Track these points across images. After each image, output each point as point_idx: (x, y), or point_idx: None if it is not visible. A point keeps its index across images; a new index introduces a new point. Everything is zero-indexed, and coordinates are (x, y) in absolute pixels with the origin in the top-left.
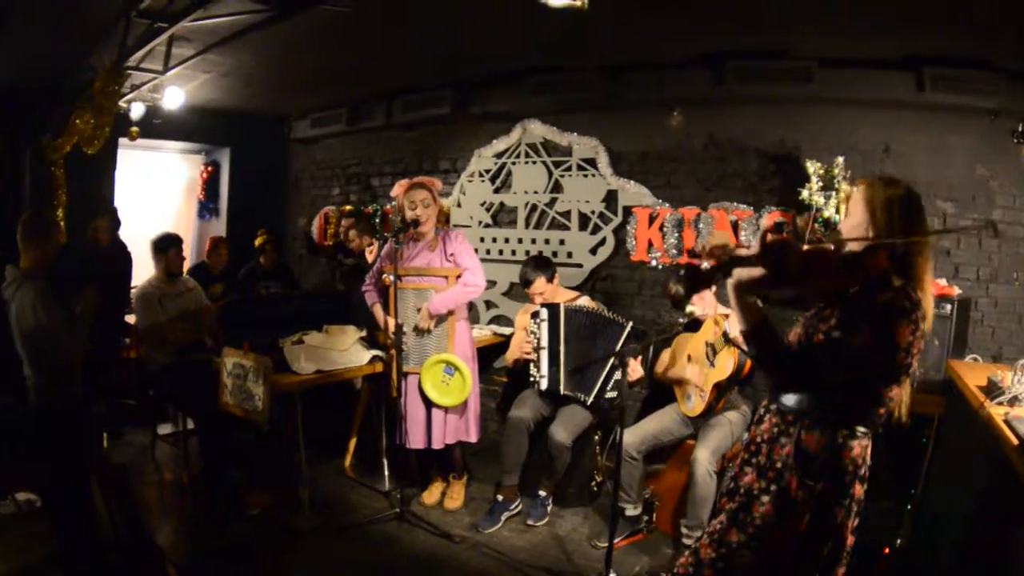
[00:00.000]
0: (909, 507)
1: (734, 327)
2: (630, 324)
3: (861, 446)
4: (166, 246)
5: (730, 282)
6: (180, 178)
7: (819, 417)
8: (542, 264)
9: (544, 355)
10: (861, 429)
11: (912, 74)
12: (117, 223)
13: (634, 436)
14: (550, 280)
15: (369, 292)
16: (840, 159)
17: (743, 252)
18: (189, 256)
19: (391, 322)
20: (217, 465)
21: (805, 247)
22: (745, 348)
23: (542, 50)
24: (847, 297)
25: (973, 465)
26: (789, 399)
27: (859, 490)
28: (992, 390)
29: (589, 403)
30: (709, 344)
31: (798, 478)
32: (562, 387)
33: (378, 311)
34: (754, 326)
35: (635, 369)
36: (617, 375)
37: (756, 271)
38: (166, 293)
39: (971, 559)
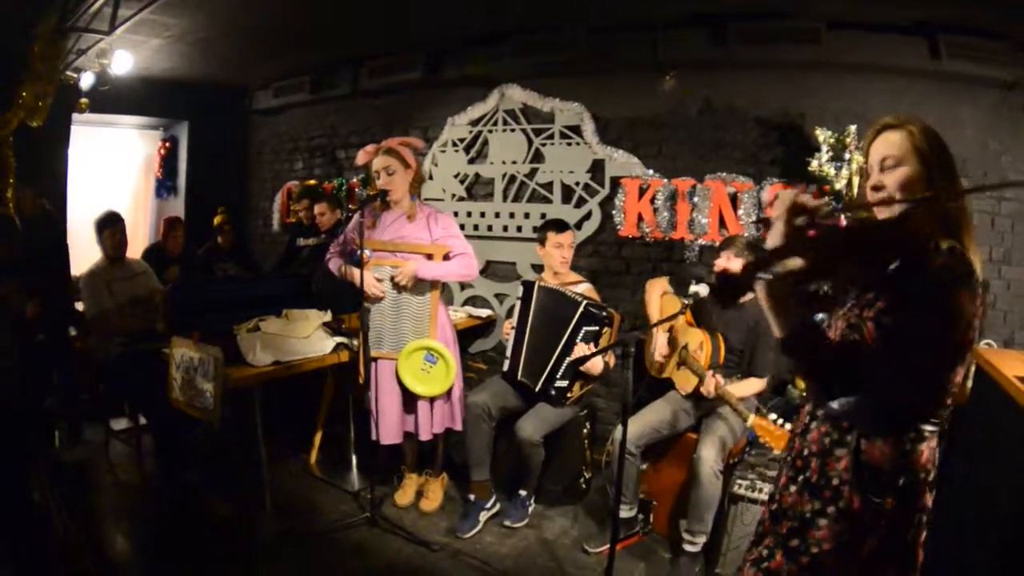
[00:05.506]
0: None
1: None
2: (583, 303)
3: (930, 448)
4: (99, 228)
5: (759, 285)
6: (137, 155)
7: (880, 421)
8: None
9: (512, 336)
10: (928, 428)
11: (925, 40)
12: (42, 193)
13: (632, 428)
14: (572, 244)
15: (333, 259)
16: (852, 127)
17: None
18: (147, 237)
19: (368, 276)
20: (172, 466)
21: (842, 221)
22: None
23: (523, 8)
24: (890, 273)
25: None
26: (839, 403)
27: (929, 500)
28: None
29: (537, 391)
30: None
31: (861, 496)
32: (520, 373)
33: (350, 271)
34: (798, 329)
35: (593, 362)
36: (568, 360)
37: (792, 263)
38: (115, 277)
39: None
